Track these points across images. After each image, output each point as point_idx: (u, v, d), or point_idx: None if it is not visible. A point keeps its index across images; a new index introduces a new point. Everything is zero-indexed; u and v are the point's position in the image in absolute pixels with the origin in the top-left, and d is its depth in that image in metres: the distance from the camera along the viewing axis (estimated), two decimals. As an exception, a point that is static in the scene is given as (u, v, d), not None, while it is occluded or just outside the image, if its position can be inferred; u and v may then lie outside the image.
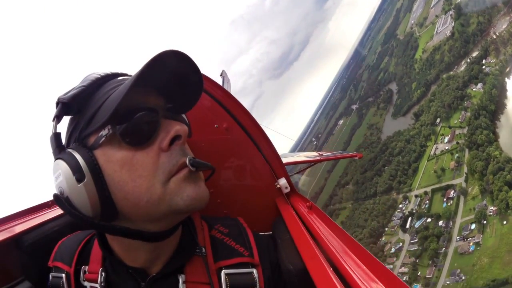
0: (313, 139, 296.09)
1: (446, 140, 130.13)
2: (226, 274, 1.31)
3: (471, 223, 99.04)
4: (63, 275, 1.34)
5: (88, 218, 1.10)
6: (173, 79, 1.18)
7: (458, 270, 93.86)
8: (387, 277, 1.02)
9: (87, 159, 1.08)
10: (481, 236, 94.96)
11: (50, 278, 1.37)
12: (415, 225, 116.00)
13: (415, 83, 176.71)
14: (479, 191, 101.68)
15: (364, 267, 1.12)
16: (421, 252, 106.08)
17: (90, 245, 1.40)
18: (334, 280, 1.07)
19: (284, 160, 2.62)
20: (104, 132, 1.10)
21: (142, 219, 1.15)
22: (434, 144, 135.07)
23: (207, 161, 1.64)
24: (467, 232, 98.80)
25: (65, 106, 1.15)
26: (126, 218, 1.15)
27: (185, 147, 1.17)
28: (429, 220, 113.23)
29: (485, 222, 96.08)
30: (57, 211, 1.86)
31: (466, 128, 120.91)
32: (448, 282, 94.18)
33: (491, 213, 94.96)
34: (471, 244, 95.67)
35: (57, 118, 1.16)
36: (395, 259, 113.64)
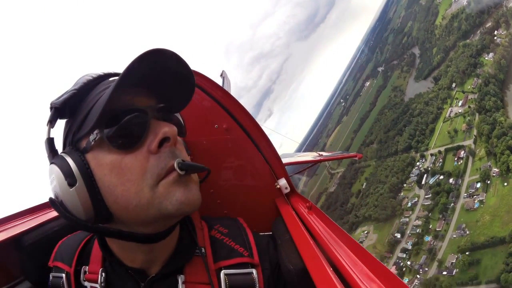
0: (342, 100, 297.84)
1: (460, 103, 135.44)
2: (225, 274, 1.29)
3: (477, 182, 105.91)
4: (63, 275, 1.32)
5: (82, 221, 1.08)
6: (163, 78, 1.12)
7: (464, 225, 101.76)
8: (387, 277, 1.00)
9: (79, 164, 1.06)
10: (485, 194, 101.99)
11: (51, 278, 1.36)
12: (430, 182, 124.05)
13: (436, 48, 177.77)
14: (485, 153, 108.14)
15: (364, 267, 1.10)
16: (433, 206, 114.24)
17: (90, 245, 1.38)
18: (334, 280, 1.06)
19: (284, 160, 2.71)
20: (92, 136, 1.07)
21: (133, 222, 1.11)
22: (450, 107, 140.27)
23: (207, 161, 1.79)
24: (473, 190, 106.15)
25: (57, 111, 1.12)
26: (119, 221, 1.11)
27: (175, 149, 1.10)
28: (441, 177, 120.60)
29: (489, 182, 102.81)
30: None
31: (477, 94, 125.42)
32: (455, 236, 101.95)
33: (495, 174, 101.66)
34: (475, 201, 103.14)
35: (51, 123, 1.13)
36: (410, 212, 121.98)
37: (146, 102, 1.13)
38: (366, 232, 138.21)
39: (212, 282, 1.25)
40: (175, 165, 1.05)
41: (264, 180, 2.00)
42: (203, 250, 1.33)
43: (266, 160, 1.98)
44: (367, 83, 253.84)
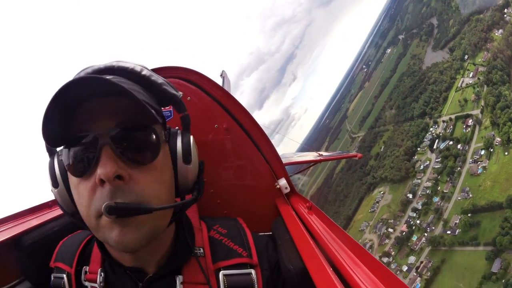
0: (364, 66, 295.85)
1: (470, 75, 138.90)
2: (224, 275, 1.26)
3: (481, 149, 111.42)
4: (64, 275, 1.31)
5: (69, 216, 1.14)
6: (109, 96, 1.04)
7: (467, 189, 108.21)
8: (387, 277, 0.97)
9: (61, 169, 1.10)
10: (488, 161, 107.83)
11: (52, 278, 1.34)
12: (440, 146, 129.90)
13: (452, 20, 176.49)
14: (490, 123, 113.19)
15: (364, 267, 1.07)
16: (442, 170, 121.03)
17: (90, 245, 1.36)
18: (334, 280, 1.03)
19: (284, 160, 2.61)
20: (59, 154, 1.11)
21: None
22: (462, 77, 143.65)
23: (207, 161, 1.58)
24: (478, 157, 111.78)
25: None
26: None
27: (118, 187, 1.00)
28: (451, 143, 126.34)
29: (492, 150, 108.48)
30: (57, 211, 1.78)
31: (486, 67, 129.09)
32: (459, 198, 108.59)
33: (497, 144, 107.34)
34: (479, 167, 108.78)
35: None
36: (422, 175, 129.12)
37: (104, 123, 1.03)
38: (382, 192, 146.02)
39: (209, 282, 1.22)
40: (103, 209, 0.97)
41: (264, 180, 1.97)
42: (201, 251, 1.30)
43: (266, 160, 1.96)
44: (388, 50, 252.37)
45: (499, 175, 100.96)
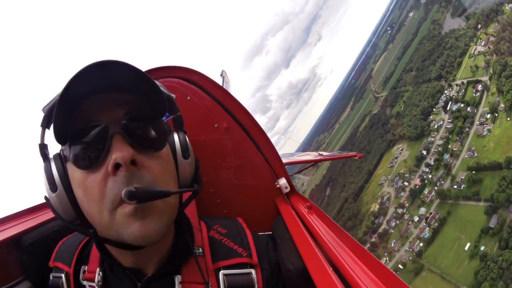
0: (388, 28, 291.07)
1: (482, 43, 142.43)
2: (224, 274, 1.23)
3: (487, 113, 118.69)
4: (63, 275, 1.27)
5: (66, 222, 1.08)
6: (122, 86, 1.03)
7: (473, 148, 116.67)
8: (387, 277, 0.95)
9: (60, 172, 1.05)
10: (492, 125, 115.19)
11: (51, 278, 1.31)
12: (453, 108, 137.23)
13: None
14: (496, 89, 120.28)
15: (364, 267, 1.04)
16: (453, 129, 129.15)
17: (90, 245, 1.32)
18: (334, 280, 1.01)
19: (284, 160, 2.56)
20: (62, 151, 1.07)
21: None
22: (475, 45, 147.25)
23: (207, 161, 1.64)
24: (484, 120, 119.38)
25: (46, 118, 1.08)
26: None
27: (133, 173, 0.98)
28: (462, 105, 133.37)
29: (496, 114, 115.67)
30: None
31: (496, 37, 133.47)
32: (466, 156, 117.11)
33: (501, 109, 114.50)
34: (485, 129, 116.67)
35: (42, 129, 1.10)
36: (436, 133, 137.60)
37: (114, 113, 1.03)
38: (400, 149, 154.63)
39: (206, 282, 1.18)
40: (123, 195, 0.94)
41: (264, 180, 1.92)
42: (200, 250, 1.28)
43: (266, 159, 1.91)
44: (411, 14, 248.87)
45: (501, 138, 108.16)
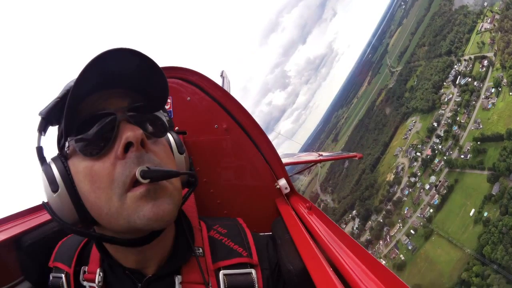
0: (402, 3, 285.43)
1: (489, 21, 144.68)
2: (224, 274, 1.21)
3: (492, 88, 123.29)
4: (63, 275, 1.25)
5: (67, 225, 1.05)
6: (130, 76, 1.03)
7: (479, 120, 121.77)
8: (387, 277, 0.94)
9: (61, 170, 1.03)
10: (496, 99, 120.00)
11: (51, 278, 1.29)
12: (461, 82, 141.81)
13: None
14: (500, 65, 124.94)
15: (364, 267, 1.03)
16: (461, 103, 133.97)
17: (90, 245, 1.31)
18: (334, 280, 1.00)
19: (284, 160, 2.47)
20: (67, 144, 1.05)
21: (109, 228, 1.05)
22: (482, 22, 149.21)
23: (207, 161, 1.67)
24: (489, 94, 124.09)
25: (44, 120, 1.09)
26: (101, 225, 1.07)
27: (143, 154, 0.99)
28: (469, 79, 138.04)
29: (500, 89, 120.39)
30: None
31: (500, 15, 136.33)
32: (472, 128, 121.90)
33: (504, 84, 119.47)
34: (489, 103, 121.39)
35: (40, 132, 1.10)
36: (446, 106, 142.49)
37: (118, 103, 1.04)
38: (414, 121, 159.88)
39: (207, 281, 1.17)
40: (137, 173, 0.93)
41: (264, 180, 1.90)
42: (200, 251, 1.26)
43: (266, 160, 1.89)
44: None
45: (504, 111, 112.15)
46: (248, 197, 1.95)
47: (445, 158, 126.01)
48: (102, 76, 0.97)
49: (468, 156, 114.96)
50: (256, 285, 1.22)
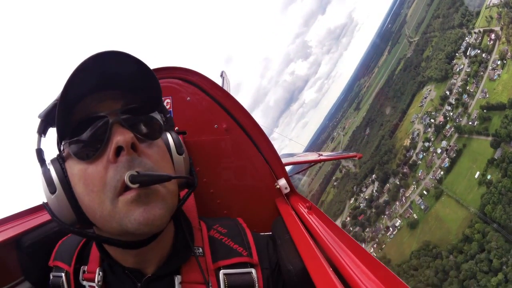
0: None
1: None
2: (224, 274, 1.19)
3: (498, 60, 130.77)
4: (63, 274, 1.23)
5: (66, 225, 1.05)
6: (122, 79, 1.01)
7: (486, 90, 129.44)
8: (387, 277, 0.92)
9: (58, 172, 1.03)
10: (502, 70, 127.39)
11: (51, 277, 1.27)
12: (471, 54, 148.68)
13: None
14: (505, 39, 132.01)
15: (364, 267, 1.01)
16: (471, 73, 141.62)
17: (90, 244, 1.29)
18: (334, 280, 0.99)
19: (284, 160, 2.41)
20: (62, 147, 1.05)
21: (104, 230, 1.05)
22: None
23: (207, 161, 1.63)
24: (495, 65, 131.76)
25: (43, 122, 1.09)
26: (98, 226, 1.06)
27: (135, 157, 0.97)
28: (478, 51, 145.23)
29: (505, 61, 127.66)
30: None
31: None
32: (480, 97, 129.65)
33: (509, 57, 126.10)
34: (495, 74, 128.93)
35: (39, 134, 1.10)
36: (457, 76, 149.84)
37: (112, 105, 1.02)
38: (429, 90, 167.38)
39: (207, 281, 1.15)
40: (126, 178, 0.92)
41: (264, 180, 1.88)
42: (200, 250, 1.24)
43: (266, 160, 1.86)
44: None
45: (508, 83, 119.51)
46: (248, 197, 1.93)
47: (455, 124, 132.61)
48: (94, 79, 0.96)
49: (475, 123, 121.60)
50: (256, 285, 1.20)
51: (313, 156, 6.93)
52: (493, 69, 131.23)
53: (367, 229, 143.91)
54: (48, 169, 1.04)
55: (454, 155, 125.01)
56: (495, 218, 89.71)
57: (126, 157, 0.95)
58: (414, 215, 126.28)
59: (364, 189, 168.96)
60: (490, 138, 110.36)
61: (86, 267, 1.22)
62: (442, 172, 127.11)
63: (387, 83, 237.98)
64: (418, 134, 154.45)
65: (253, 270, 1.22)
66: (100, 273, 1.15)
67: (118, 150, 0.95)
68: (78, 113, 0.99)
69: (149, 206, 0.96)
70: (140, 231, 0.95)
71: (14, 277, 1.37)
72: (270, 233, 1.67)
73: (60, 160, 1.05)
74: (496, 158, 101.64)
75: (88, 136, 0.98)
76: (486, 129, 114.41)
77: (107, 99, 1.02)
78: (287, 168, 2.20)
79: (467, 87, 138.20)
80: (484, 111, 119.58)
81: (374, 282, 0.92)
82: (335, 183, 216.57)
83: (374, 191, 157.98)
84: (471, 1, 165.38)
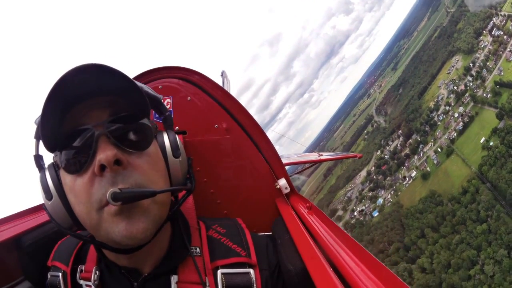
0: None
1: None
2: (222, 273, 1.17)
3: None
4: (60, 274, 1.23)
5: (63, 228, 1.06)
6: (102, 90, 0.99)
7: (502, 68, 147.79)
8: (387, 277, 0.91)
9: (54, 180, 1.03)
10: None
11: (49, 277, 1.27)
12: (495, 34, 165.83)
13: None
14: None
15: (364, 267, 0.99)
16: (492, 50, 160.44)
17: (88, 244, 1.28)
18: (335, 280, 0.97)
19: (284, 160, 2.43)
20: (53, 158, 1.05)
21: (95, 237, 1.05)
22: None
23: (207, 161, 1.60)
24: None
25: (38, 129, 1.08)
26: None
27: (119, 173, 0.95)
28: (501, 33, 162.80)
29: None
30: None
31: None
32: (496, 73, 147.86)
33: None
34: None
35: (36, 139, 1.11)
36: (481, 51, 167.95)
37: (99, 116, 1.00)
38: (457, 60, 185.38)
39: (203, 281, 1.13)
40: (108, 196, 0.91)
41: (264, 180, 1.84)
42: (197, 250, 1.21)
43: (266, 160, 1.83)
44: None
45: None
46: (248, 197, 1.88)
47: (472, 94, 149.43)
48: (77, 89, 0.93)
49: (489, 95, 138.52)
50: (254, 285, 1.18)
51: (313, 156, 6.88)
52: (510, 51, 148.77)
53: (388, 178, 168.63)
54: (45, 176, 1.05)
55: (467, 120, 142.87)
56: (489, 178, 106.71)
57: (110, 173, 0.94)
58: (428, 168, 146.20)
59: (390, 143, 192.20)
60: (497, 111, 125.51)
61: (83, 266, 1.22)
62: (455, 134, 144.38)
63: (423, 47, 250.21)
64: (442, 98, 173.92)
65: (251, 271, 1.20)
66: (97, 272, 1.15)
67: (102, 166, 0.93)
68: (68, 124, 0.98)
69: (132, 220, 0.95)
70: (124, 243, 0.96)
71: (14, 277, 1.37)
72: (270, 233, 1.65)
73: (56, 167, 1.05)
74: (499, 128, 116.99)
75: (75, 150, 0.97)
76: (496, 102, 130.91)
77: (94, 108, 1.00)
78: (287, 167, 2.31)
79: (487, 63, 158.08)
80: (497, 86, 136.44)
81: (374, 282, 0.92)
82: (365, 136, 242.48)
83: (398, 145, 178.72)
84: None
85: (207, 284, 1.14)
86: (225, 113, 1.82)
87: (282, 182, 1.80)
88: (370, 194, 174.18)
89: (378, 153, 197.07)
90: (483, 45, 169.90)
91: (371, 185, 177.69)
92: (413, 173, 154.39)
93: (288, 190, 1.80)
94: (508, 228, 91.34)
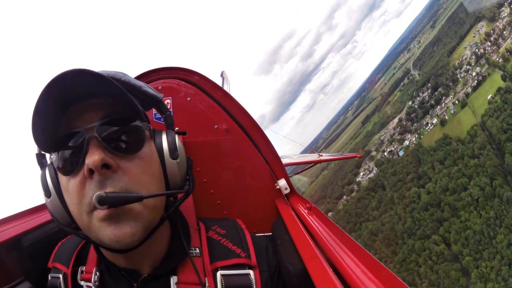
0: None
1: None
2: (222, 275, 1.15)
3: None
4: (60, 275, 1.21)
5: (62, 225, 1.06)
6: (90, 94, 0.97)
7: None
8: (387, 277, 0.89)
9: (53, 178, 1.03)
10: None
11: (49, 278, 1.25)
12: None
13: None
14: None
15: (364, 268, 0.97)
16: (510, 21, 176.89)
17: (88, 246, 1.26)
18: (335, 281, 0.96)
19: (284, 161, 2.39)
20: (48, 160, 1.06)
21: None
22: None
23: (207, 162, 1.57)
24: None
25: None
26: None
27: (106, 177, 0.92)
28: None
29: None
30: None
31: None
32: (510, 42, 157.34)
33: None
34: None
35: None
36: (501, 20, 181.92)
37: (91, 118, 0.98)
38: (482, 25, 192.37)
39: (203, 282, 1.11)
40: (93, 200, 0.89)
41: (264, 181, 1.81)
42: (197, 251, 1.19)
43: (266, 160, 1.80)
44: None
45: None
46: (248, 197, 1.84)
47: (488, 57, 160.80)
48: (64, 94, 0.91)
49: (500, 60, 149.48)
50: (254, 287, 1.15)
51: (313, 157, 6.80)
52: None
53: (414, 124, 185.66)
54: (45, 174, 1.05)
55: (481, 79, 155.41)
56: (488, 127, 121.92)
57: (98, 177, 0.92)
58: (446, 116, 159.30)
59: (420, 94, 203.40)
60: (502, 73, 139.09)
61: (84, 267, 1.21)
62: (470, 90, 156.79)
63: (458, 9, 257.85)
64: (465, 58, 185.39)
65: (251, 272, 1.18)
66: (97, 273, 1.14)
67: (91, 170, 0.92)
68: (62, 126, 0.97)
69: (119, 224, 0.93)
70: (112, 246, 0.95)
71: (14, 277, 1.35)
72: (270, 233, 1.65)
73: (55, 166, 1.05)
74: (502, 87, 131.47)
75: (68, 153, 0.96)
76: (504, 66, 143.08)
77: (87, 111, 0.98)
78: (287, 168, 2.54)
79: (504, 32, 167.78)
80: (508, 53, 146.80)
81: (374, 283, 0.90)
82: (401, 88, 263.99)
83: (426, 96, 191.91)
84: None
85: (207, 285, 1.12)
86: (225, 114, 1.81)
87: (282, 182, 1.78)
88: (399, 137, 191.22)
89: (410, 103, 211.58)
90: (503, 15, 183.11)
91: (400, 129, 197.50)
92: (434, 120, 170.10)
93: (288, 190, 1.79)
94: (493, 162, 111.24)
